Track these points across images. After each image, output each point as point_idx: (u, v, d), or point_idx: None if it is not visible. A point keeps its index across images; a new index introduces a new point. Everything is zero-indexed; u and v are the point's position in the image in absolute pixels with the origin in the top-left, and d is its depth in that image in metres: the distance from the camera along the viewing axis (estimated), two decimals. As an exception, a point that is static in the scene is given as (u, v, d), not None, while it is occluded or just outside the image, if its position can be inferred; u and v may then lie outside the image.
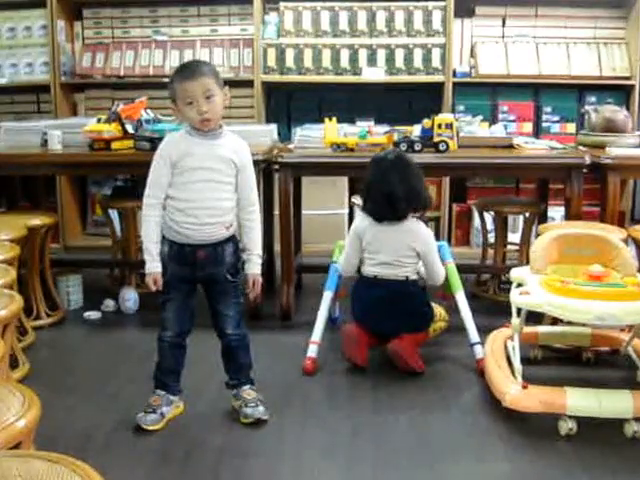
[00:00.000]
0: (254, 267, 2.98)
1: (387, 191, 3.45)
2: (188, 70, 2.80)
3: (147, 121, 4.25)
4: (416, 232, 3.52)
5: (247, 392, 3.05)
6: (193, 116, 2.75)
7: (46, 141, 4.27)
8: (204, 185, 2.82)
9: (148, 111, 4.34)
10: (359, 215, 3.63)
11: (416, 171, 3.53)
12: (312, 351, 3.56)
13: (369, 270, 3.56)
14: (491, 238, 4.82)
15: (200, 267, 2.91)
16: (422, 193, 3.52)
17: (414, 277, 3.56)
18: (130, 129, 4.22)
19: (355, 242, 3.58)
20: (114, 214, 4.89)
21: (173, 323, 3.00)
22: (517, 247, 4.70)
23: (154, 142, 4.07)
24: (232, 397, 3.10)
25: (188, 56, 5.69)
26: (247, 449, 2.83)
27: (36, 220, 4.08)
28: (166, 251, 2.89)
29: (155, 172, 2.86)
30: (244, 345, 3.07)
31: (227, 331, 3.02)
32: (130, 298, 4.42)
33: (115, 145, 4.15)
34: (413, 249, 3.51)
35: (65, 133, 4.28)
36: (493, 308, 4.31)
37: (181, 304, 2.98)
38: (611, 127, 4.47)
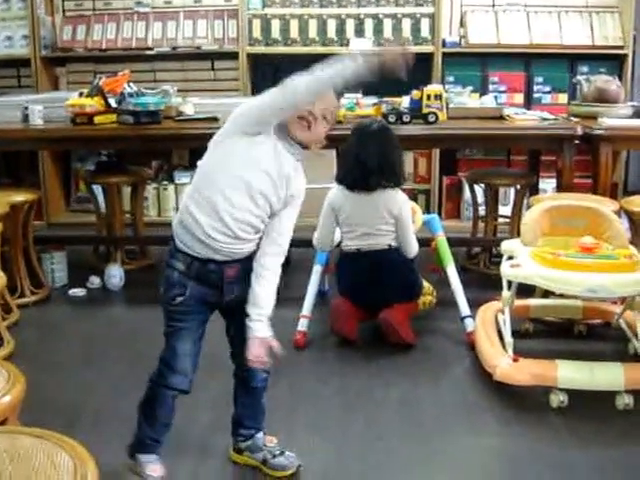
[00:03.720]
0: (264, 328, 2.27)
1: (362, 160, 3.41)
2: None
3: (130, 94, 4.17)
4: (392, 197, 3.46)
5: (269, 439, 2.55)
6: (319, 133, 2.24)
7: (27, 116, 4.18)
8: (253, 190, 2.18)
9: (131, 84, 4.26)
10: (333, 188, 3.58)
11: (395, 145, 3.48)
12: (302, 325, 3.53)
13: (350, 244, 3.51)
14: (482, 211, 4.77)
15: (228, 289, 2.30)
16: (397, 168, 3.47)
17: (396, 244, 3.50)
18: (113, 103, 4.14)
19: (330, 216, 3.53)
20: (98, 190, 4.81)
21: (185, 363, 2.33)
22: (508, 220, 4.65)
23: (137, 116, 4.01)
24: (243, 451, 2.55)
25: (171, 28, 5.59)
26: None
27: (18, 197, 4.00)
28: (182, 269, 2.26)
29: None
30: (266, 384, 2.52)
31: (258, 370, 2.41)
32: (115, 275, 4.37)
33: (98, 119, 4.06)
34: (390, 213, 3.45)
35: (46, 108, 4.19)
36: (484, 281, 4.27)
37: (198, 337, 2.34)
38: (603, 97, 4.41)
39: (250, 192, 2.16)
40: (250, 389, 2.48)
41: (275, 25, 5.54)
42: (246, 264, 2.28)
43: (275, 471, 2.47)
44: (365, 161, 3.40)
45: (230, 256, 2.24)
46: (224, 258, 2.24)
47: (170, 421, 2.40)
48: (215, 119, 4.14)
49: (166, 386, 2.34)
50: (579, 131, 3.98)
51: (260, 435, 2.53)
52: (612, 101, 4.39)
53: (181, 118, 4.19)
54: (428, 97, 4.03)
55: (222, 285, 2.28)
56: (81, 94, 4.13)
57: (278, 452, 2.49)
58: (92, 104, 4.04)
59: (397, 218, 3.45)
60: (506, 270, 3.01)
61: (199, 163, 2.26)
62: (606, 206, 3.42)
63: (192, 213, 2.20)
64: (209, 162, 2.23)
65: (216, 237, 2.19)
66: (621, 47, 5.53)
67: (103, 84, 4.12)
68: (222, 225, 2.17)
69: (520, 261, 3.00)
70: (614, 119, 4.18)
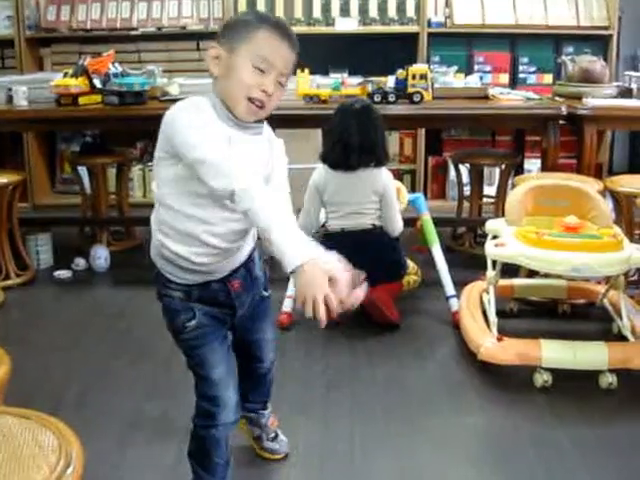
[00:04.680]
0: (303, 248, 1.58)
1: (344, 139, 3.40)
2: (282, 26, 1.81)
3: (115, 75, 4.14)
4: (376, 175, 3.45)
5: (271, 421, 2.44)
6: (248, 83, 1.76)
7: (11, 97, 4.15)
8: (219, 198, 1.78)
9: (116, 65, 4.22)
10: (317, 168, 3.57)
11: (378, 124, 3.47)
12: (287, 306, 3.52)
13: (335, 223, 3.51)
14: (467, 191, 4.78)
15: (240, 303, 2.00)
16: (379, 148, 3.46)
17: (380, 224, 3.50)
18: (98, 83, 4.11)
19: (315, 197, 3.52)
20: (83, 171, 4.79)
21: (228, 389, 1.99)
22: (493, 200, 4.66)
23: (122, 96, 3.99)
24: (245, 422, 2.43)
25: (156, 8, 5.55)
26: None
27: (3, 178, 3.98)
28: (181, 297, 1.94)
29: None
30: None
31: (267, 358, 2.25)
32: (101, 256, 4.35)
33: (83, 100, 4.03)
34: (375, 191, 3.44)
35: (31, 89, 4.16)
36: (469, 261, 4.28)
37: (227, 355, 2.02)
38: (588, 78, 4.40)
39: (222, 204, 1.77)
40: (260, 376, 2.31)
41: (260, 5, 5.49)
42: (248, 265, 1.99)
43: (264, 452, 2.46)
44: (347, 140, 3.39)
45: (229, 269, 1.94)
46: (223, 274, 1.94)
47: (230, 457, 2.07)
48: (200, 100, 4.12)
49: (217, 425, 1.99)
50: (564, 111, 3.99)
51: (266, 412, 2.42)
52: (597, 81, 4.39)
53: (166, 98, 4.16)
54: (413, 77, 4.01)
55: (232, 302, 1.97)
56: (65, 75, 4.09)
57: (273, 435, 2.44)
58: (77, 85, 4.01)
59: (381, 196, 3.45)
60: (490, 250, 3.02)
61: (154, 190, 1.93)
62: (590, 186, 3.43)
63: (168, 247, 1.87)
64: (160, 189, 1.86)
65: (204, 261, 1.87)
66: (606, 27, 5.54)
67: (88, 65, 4.09)
68: (210, 248, 1.85)
69: (504, 241, 3.01)
70: (599, 99, 4.19)
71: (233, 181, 1.62)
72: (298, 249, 1.55)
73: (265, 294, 2.13)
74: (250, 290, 2.01)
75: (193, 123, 1.74)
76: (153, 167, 1.89)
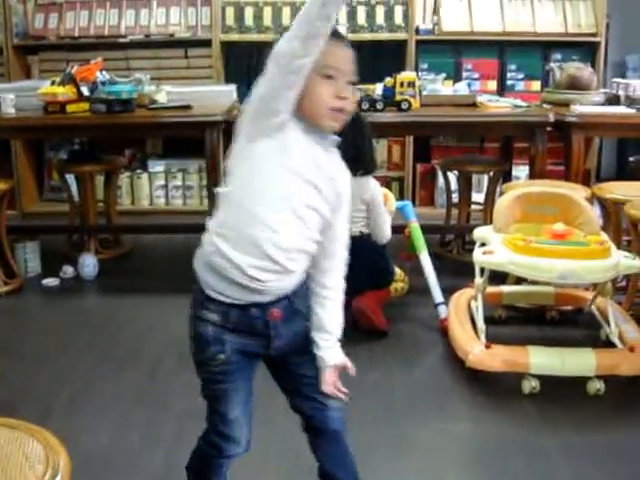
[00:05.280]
0: (337, 354, 1.89)
1: None
2: (336, 31, 1.76)
3: (103, 83, 4.15)
4: (363, 183, 3.44)
5: None
6: (325, 96, 1.72)
7: (-1, 105, 4.15)
8: (300, 209, 1.74)
9: (104, 72, 4.24)
10: None
11: (366, 133, 3.47)
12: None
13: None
14: (455, 198, 4.79)
15: (277, 335, 1.85)
16: (367, 156, 3.46)
17: (368, 231, 3.50)
18: (85, 91, 4.11)
19: None
20: (71, 179, 4.78)
21: (241, 429, 1.90)
22: (481, 207, 4.67)
23: (110, 104, 3.98)
24: None
25: (144, 16, 5.55)
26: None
27: (-10, 186, 3.98)
28: (216, 320, 1.81)
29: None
30: (344, 424, 2.02)
31: (329, 401, 1.94)
32: (89, 264, 4.34)
33: (70, 108, 4.03)
34: (362, 199, 3.45)
35: (18, 96, 4.15)
36: (457, 268, 4.28)
37: (248, 396, 1.92)
38: (576, 84, 4.43)
39: (296, 212, 1.73)
40: (330, 435, 1.99)
41: (248, 12, 5.51)
42: (293, 296, 1.85)
43: None
44: None
45: (277, 294, 1.81)
46: (269, 298, 1.80)
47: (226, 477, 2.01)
48: (188, 107, 4.13)
49: (225, 457, 1.93)
50: (551, 118, 4.01)
51: None
52: (584, 88, 4.41)
53: (154, 106, 4.16)
54: (401, 84, 4.03)
55: (268, 332, 1.83)
56: (53, 83, 4.09)
57: None
58: (64, 93, 4.01)
59: (369, 204, 3.45)
60: (478, 257, 3.03)
61: (221, 191, 1.80)
62: (578, 193, 3.45)
63: (224, 253, 1.74)
64: (234, 187, 1.76)
65: (261, 277, 1.74)
66: (594, 34, 5.56)
67: (75, 72, 4.09)
68: (268, 262, 1.73)
69: (492, 248, 3.02)
70: (586, 106, 4.21)
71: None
72: (335, 354, 1.89)
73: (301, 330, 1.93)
74: (290, 322, 1.86)
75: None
76: (228, 166, 1.79)
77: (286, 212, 1.72)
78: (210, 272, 1.79)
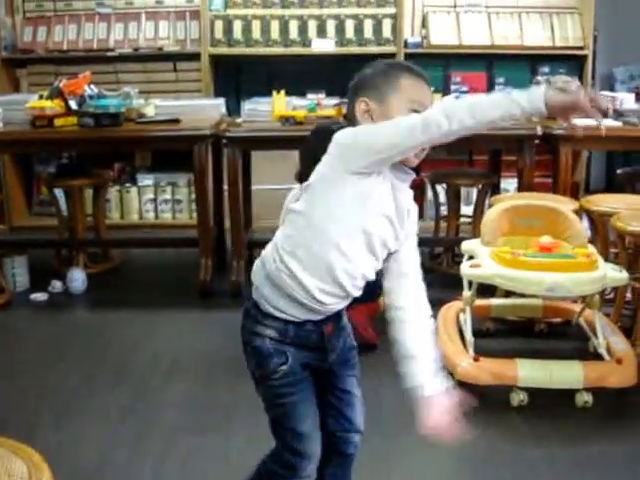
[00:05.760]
0: (437, 382, 1.80)
1: (319, 160, 3.40)
2: (415, 68, 1.83)
3: (91, 97, 4.14)
4: None
5: None
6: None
7: (-14, 119, 4.14)
8: (373, 241, 1.76)
9: (92, 86, 4.23)
10: (293, 189, 3.57)
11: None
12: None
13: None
14: (444, 211, 4.79)
15: (331, 347, 1.87)
16: None
17: None
18: (73, 105, 4.10)
19: None
20: (60, 193, 4.77)
21: (316, 444, 1.86)
22: (470, 219, 4.68)
23: (98, 118, 3.98)
24: None
25: (133, 29, 5.56)
26: (200, 426, 2.81)
27: (-23, 200, 3.97)
28: (274, 336, 1.80)
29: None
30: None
31: (357, 422, 1.98)
32: (77, 278, 4.32)
33: (58, 122, 4.03)
34: None
35: (6, 110, 4.16)
36: (446, 281, 4.26)
37: (315, 406, 1.88)
38: (562, 97, 4.43)
39: (370, 244, 1.75)
40: (344, 457, 2.00)
41: (237, 26, 5.52)
42: (340, 312, 1.89)
43: None
44: (317, 161, 3.39)
45: (330, 313, 1.83)
46: (322, 317, 1.82)
47: None
48: (176, 121, 4.13)
49: (294, 476, 1.86)
50: (539, 131, 4.03)
51: None
52: (572, 101, 4.42)
53: (142, 120, 4.17)
54: (389, 98, 4.03)
55: (324, 345, 1.84)
56: (41, 97, 4.09)
57: None
58: (52, 107, 4.01)
59: None
60: (466, 270, 3.03)
61: (294, 207, 1.80)
62: (566, 206, 3.46)
63: (294, 273, 1.74)
64: (314, 209, 1.75)
65: (324, 300, 1.76)
66: (581, 48, 5.60)
67: (63, 86, 4.09)
68: (336, 287, 1.75)
69: (480, 261, 3.03)
70: (574, 119, 4.21)
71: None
72: (429, 383, 1.76)
73: (354, 344, 1.99)
74: (338, 337, 1.89)
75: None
76: (308, 185, 1.82)
77: (362, 243, 1.74)
78: (272, 288, 1.78)
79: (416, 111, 1.73)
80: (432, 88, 4.08)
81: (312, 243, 1.73)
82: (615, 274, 2.96)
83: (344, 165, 1.74)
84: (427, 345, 1.82)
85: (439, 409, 1.75)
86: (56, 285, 4.35)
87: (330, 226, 1.72)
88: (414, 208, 1.85)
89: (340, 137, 1.79)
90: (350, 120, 1.86)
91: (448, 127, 1.62)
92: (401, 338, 1.83)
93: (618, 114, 4.28)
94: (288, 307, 1.78)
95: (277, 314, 1.78)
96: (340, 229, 1.72)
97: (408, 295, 1.87)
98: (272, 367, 1.80)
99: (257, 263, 1.85)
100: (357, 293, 1.82)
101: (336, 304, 1.80)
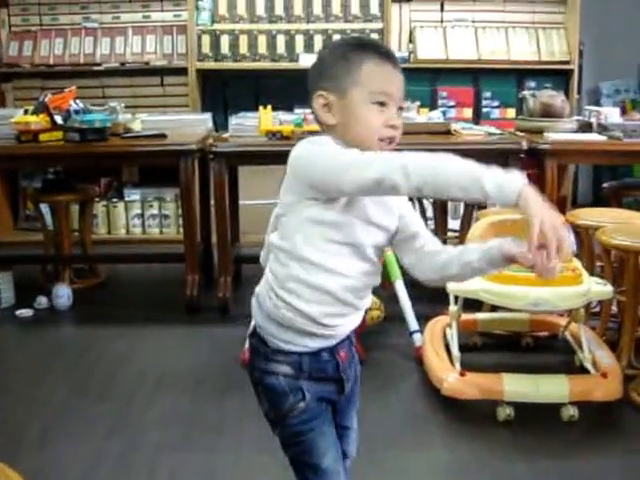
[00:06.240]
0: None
1: None
2: (384, 50, 1.67)
3: (76, 111, 4.12)
4: None
5: None
6: (375, 125, 1.61)
7: (-29, 134, 4.12)
8: (365, 251, 1.64)
9: (77, 101, 4.21)
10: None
11: None
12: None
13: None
14: (431, 225, 4.79)
15: (347, 376, 1.75)
16: None
17: None
18: (59, 120, 4.09)
19: None
20: (46, 208, 4.75)
21: (338, 476, 1.73)
22: (458, 234, 4.68)
23: (84, 133, 3.97)
24: None
25: (119, 43, 5.57)
26: (185, 443, 2.78)
27: (-38, 216, 3.95)
28: (288, 372, 1.67)
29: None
30: None
31: (352, 453, 1.87)
32: (63, 294, 4.29)
33: (43, 137, 4.02)
34: None
35: (-9, 125, 4.15)
36: (433, 296, 4.22)
37: (337, 440, 1.76)
38: (548, 112, 4.46)
39: (363, 254, 1.63)
40: (346, 464, 1.85)
41: (224, 40, 5.53)
42: (350, 336, 1.78)
43: None
44: None
45: (343, 333, 1.72)
46: (337, 340, 1.71)
47: None
48: (163, 136, 4.13)
49: None
50: (524, 146, 4.03)
51: None
52: (557, 116, 4.45)
53: (128, 135, 4.16)
54: (375, 113, 4.03)
55: (340, 375, 1.72)
56: (26, 111, 4.08)
57: None
58: (37, 122, 4.00)
59: None
60: (451, 285, 3.03)
61: (273, 242, 1.68)
62: (551, 219, 3.45)
63: (298, 308, 1.62)
64: (291, 241, 1.62)
65: (333, 323, 1.66)
66: (567, 62, 5.64)
67: (49, 101, 4.08)
68: (340, 306, 1.64)
69: (465, 276, 3.02)
70: (559, 133, 4.25)
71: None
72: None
73: (359, 374, 1.84)
74: (352, 363, 1.78)
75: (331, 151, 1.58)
76: (278, 215, 1.67)
77: (353, 255, 1.62)
78: (279, 327, 1.66)
79: (382, 103, 1.60)
80: (419, 103, 4.04)
81: (301, 273, 1.61)
82: (600, 288, 2.97)
83: (298, 192, 1.59)
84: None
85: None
86: (42, 301, 4.32)
87: (314, 254, 1.60)
88: (397, 200, 1.69)
89: (291, 156, 1.62)
90: (315, 118, 1.69)
91: (406, 186, 1.46)
92: (452, 259, 1.62)
93: (602, 128, 4.30)
94: (299, 339, 1.66)
95: (288, 347, 1.66)
96: (325, 253, 1.60)
97: (435, 240, 1.72)
98: (288, 406, 1.67)
99: (253, 301, 1.74)
100: (366, 303, 1.71)
101: (348, 323, 1.70)
